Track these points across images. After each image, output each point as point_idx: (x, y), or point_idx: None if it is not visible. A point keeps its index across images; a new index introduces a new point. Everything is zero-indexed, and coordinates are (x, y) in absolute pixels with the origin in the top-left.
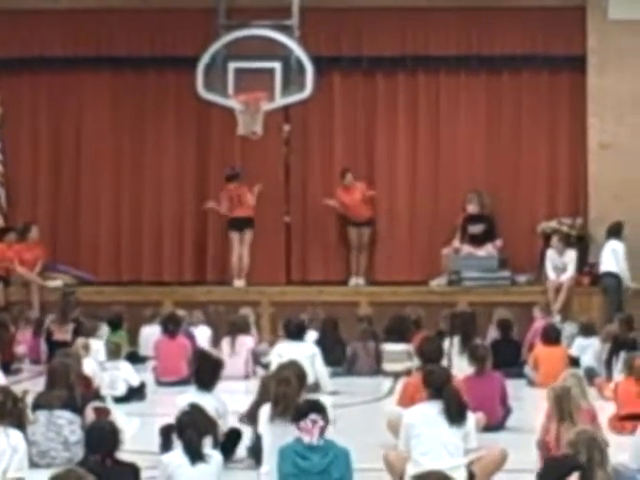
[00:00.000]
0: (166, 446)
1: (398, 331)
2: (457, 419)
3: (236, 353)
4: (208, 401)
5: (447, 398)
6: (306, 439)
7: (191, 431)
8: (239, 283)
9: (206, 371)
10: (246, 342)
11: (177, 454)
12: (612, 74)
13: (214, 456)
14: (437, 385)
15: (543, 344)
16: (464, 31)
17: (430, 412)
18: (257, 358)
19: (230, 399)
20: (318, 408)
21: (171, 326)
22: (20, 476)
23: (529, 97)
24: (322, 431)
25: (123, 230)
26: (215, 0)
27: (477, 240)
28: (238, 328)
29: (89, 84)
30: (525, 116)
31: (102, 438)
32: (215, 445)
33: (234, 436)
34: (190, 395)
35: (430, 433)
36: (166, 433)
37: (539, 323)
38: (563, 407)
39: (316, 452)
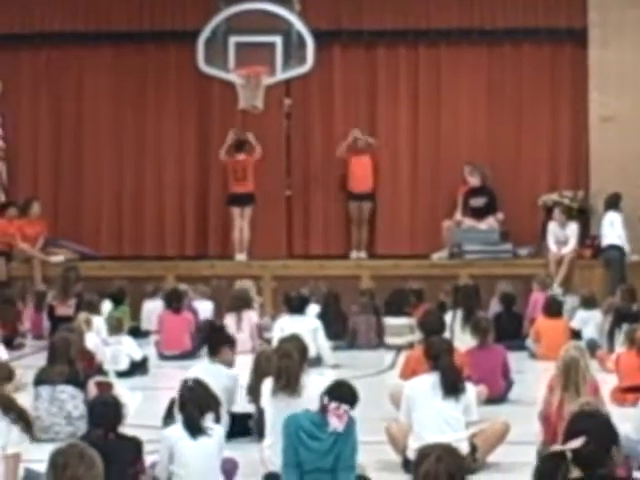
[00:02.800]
0: (169, 418)
1: (400, 304)
2: (452, 390)
3: (241, 328)
4: (219, 373)
5: (442, 368)
6: (333, 423)
7: (192, 406)
8: (241, 257)
9: (212, 337)
10: (251, 316)
11: (178, 428)
12: (614, 47)
13: (215, 429)
14: (437, 356)
15: (545, 317)
16: (465, 4)
17: (430, 384)
18: (260, 332)
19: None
20: (356, 400)
21: (174, 302)
22: (17, 451)
23: (530, 70)
24: None
25: (125, 205)
26: None
27: (479, 213)
28: (242, 303)
29: (89, 59)
30: (526, 89)
31: (105, 412)
32: (217, 421)
33: (247, 419)
34: (201, 367)
35: (430, 405)
36: (172, 406)
37: (537, 296)
38: (570, 377)
39: (324, 429)
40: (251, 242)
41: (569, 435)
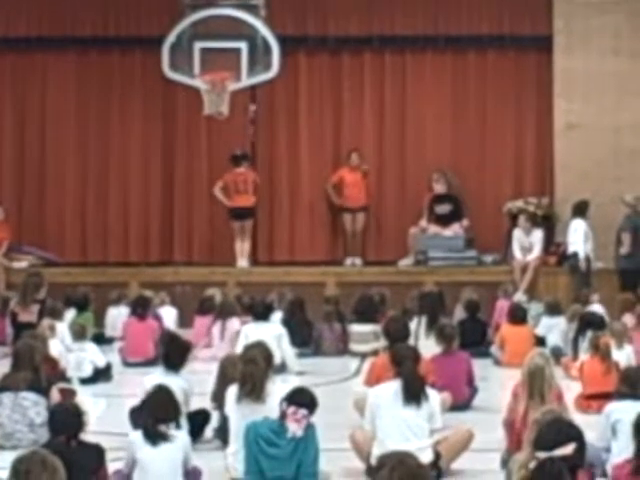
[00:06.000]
0: (137, 426)
1: (365, 312)
2: (413, 397)
3: (225, 337)
4: (175, 382)
5: (404, 375)
6: (292, 428)
7: (149, 413)
8: (242, 262)
9: (175, 353)
10: (234, 324)
11: (140, 433)
12: (579, 54)
13: (179, 436)
14: (400, 362)
15: (509, 323)
16: (430, 11)
17: (394, 391)
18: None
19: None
20: (314, 405)
21: (140, 309)
22: None
23: (495, 77)
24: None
25: (89, 211)
26: None
27: (444, 220)
28: (227, 311)
29: (54, 64)
30: (491, 96)
31: (66, 420)
32: (177, 427)
33: (202, 417)
34: (157, 376)
35: (394, 413)
36: (135, 414)
37: (502, 303)
38: (535, 385)
39: (283, 436)
40: (215, 249)
41: (555, 443)
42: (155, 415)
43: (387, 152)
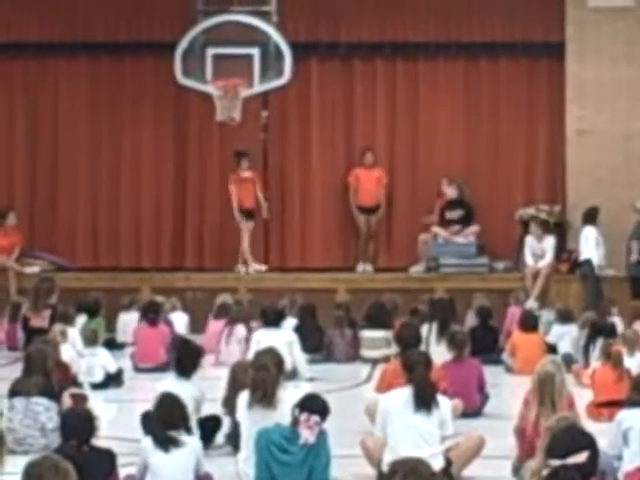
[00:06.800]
0: (147, 432)
1: (377, 318)
2: (423, 404)
3: (231, 342)
4: (187, 388)
5: (415, 381)
6: (304, 435)
7: (156, 420)
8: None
9: (187, 359)
10: (240, 331)
11: (151, 440)
12: (590, 61)
13: (190, 442)
14: (412, 369)
15: (521, 331)
16: (442, 18)
17: (405, 397)
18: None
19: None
20: (327, 412)
21: (151, 314)
22: None
23: (508, 84)
24: None
25: (101, 216)
26: None
27: (454, 225)
28: (239, 317)
29: (66, 70)
30: (503, 103)
31: (77, 425)
32: (188, 432)
33: (213, 423)
34: (169, 382)
35: (405, 419)
36: (146, 420)
37: (513, 310)
38: (546, 392)
39: (295, 442)
40: (225, 254)
41: (569, 451)
42: (162, 422)
43: (399, 158)
